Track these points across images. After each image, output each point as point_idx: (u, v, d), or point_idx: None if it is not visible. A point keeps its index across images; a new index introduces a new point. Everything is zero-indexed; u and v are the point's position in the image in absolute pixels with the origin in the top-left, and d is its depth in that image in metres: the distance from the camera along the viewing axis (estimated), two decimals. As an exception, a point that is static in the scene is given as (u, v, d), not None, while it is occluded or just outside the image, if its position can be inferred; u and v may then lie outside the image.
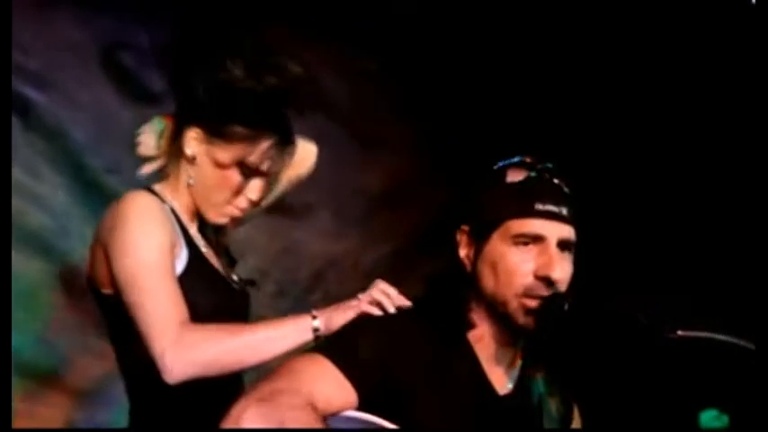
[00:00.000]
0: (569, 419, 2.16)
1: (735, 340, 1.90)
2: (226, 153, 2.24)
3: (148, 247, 2.12)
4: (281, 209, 3.30)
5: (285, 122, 2.29)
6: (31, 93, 3.43)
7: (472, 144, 3.97)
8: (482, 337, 2.05)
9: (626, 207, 3.83)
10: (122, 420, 3.59)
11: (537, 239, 2.00)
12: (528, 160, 2.08)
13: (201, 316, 2.16)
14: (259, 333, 2.10)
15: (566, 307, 1.99)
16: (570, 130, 3.93)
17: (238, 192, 2.27)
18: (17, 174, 3.32)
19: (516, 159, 2.09)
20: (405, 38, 4.01)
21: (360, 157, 4.03)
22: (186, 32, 3.40)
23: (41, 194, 3.45)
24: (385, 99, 4.06)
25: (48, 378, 3.44)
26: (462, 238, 2.08)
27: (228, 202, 2.28)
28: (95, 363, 3.43)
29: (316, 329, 2.09)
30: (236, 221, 2.34)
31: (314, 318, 2.10)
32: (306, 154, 2.41)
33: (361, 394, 1.88)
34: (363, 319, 2.03)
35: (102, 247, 2.19)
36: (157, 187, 2.30)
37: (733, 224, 3.55)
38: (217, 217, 2.29)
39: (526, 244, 2.00)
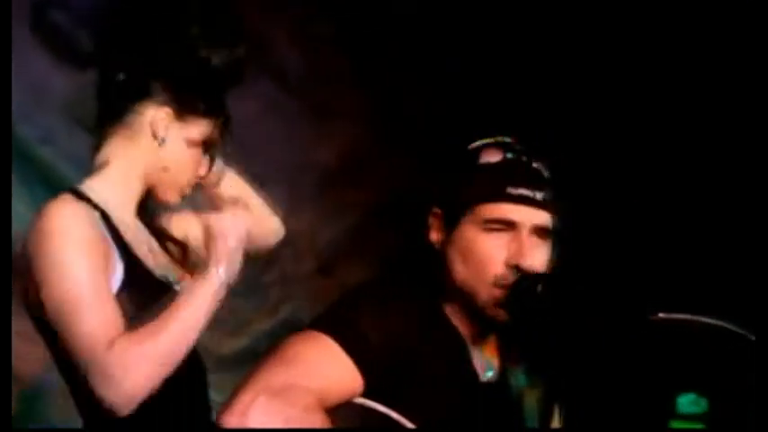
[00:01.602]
0: (549, 415, 2.10)
1: (717, 323, 1.90)
2: (197, 130, 2.12)
3: (76, 271, 1.95)
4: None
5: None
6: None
7: (434, 114, 3.90)
8: (461, 319, 2.01)
9: (613, 192, 3.76)
10: (61, 411, 3.44)
11: (509, 225, 1.96)
12: (505, 140, 2.02)
13: None
14: (176, 323, 1.94)
15: (538, 288, 1.95)
16: (542, 96, 3.83)
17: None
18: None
19: (492, 139, 2.03)
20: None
21: (313, 128, 3.93)
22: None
23: (-33, 169, 3.29)
24: (341, 66, 3.95)
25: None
26: (434, 222, 2.03)
27: (190, 182, 2.17)
28: (33, 350, 3.29)
29: (222, 282, 1.99)
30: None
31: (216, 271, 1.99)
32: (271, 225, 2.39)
33: (368, 381, 1.87)
34: (360, 299, 2.00)
35: (30, 271, 2.00)
36: (87, 184, 2.10)
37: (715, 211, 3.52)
38: (174, 197, 2.17)
39: (498, 230, 1.96)
